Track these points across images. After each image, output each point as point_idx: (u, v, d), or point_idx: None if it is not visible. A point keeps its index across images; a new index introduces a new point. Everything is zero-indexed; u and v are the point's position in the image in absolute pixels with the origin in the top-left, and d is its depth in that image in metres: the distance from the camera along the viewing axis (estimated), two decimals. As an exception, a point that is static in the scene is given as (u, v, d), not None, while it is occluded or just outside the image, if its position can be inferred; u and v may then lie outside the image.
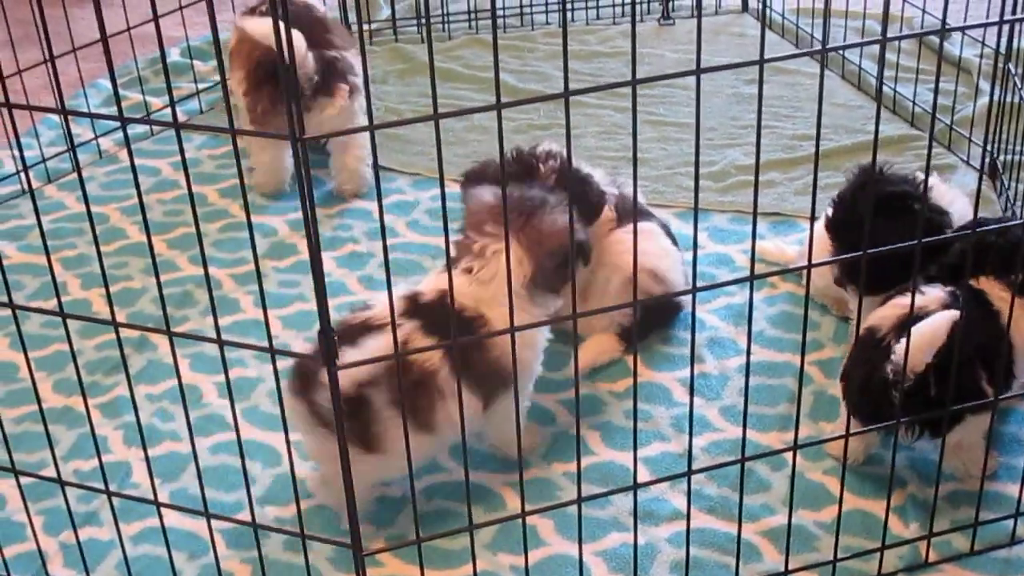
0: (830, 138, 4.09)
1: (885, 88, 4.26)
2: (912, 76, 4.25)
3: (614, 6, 5.07)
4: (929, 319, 2.39)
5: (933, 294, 2.56)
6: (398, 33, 5.00)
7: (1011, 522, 2.54)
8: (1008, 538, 2.54)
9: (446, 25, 5.01)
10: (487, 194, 2.60)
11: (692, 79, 1.84)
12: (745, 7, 5.16)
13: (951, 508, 2.62)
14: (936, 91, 2.06)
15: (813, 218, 2.09)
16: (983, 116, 3.83)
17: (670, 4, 5.12)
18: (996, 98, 3.74)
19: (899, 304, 2.58)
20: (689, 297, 3.04)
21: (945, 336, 2.36)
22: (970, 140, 3.88)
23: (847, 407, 2.59)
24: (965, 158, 3.88)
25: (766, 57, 1.83)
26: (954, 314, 2.36)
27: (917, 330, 2.33)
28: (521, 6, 5.04)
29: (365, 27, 4.98)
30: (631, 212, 3.02)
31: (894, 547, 2.48)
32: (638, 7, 5.15)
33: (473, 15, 5.03)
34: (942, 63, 4.38)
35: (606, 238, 3.11)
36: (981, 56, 4.30)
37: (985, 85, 3.92)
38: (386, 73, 4.70)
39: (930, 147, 2.06)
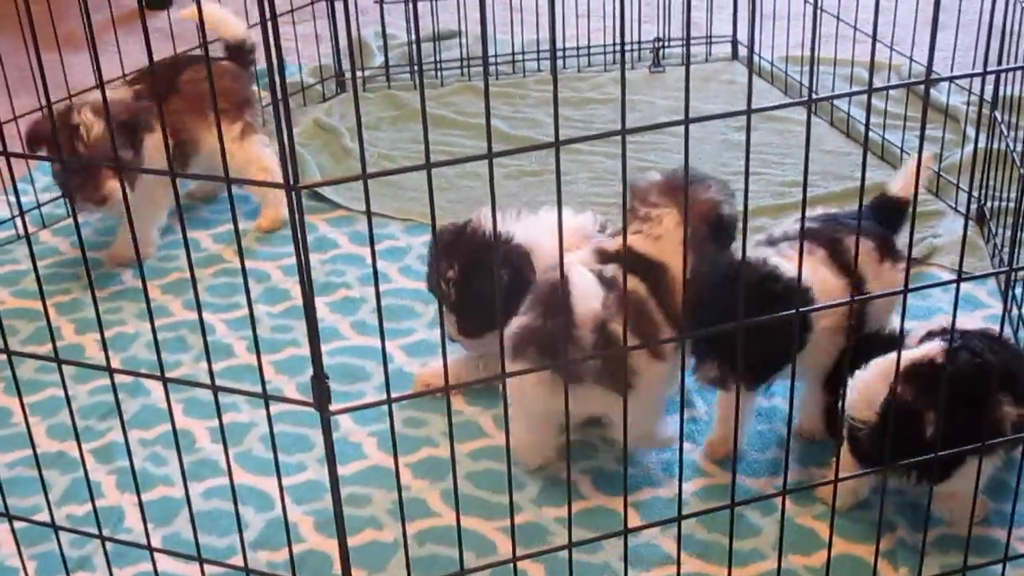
0: (819, 184, 4.12)
1: (873, 135, 4.29)
2: (900, 123, 4.28)
3: (605, 53, 5.12)
4: (866, 369, 2.54)
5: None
6: (391, 80, 5.04)
7: (1000, 567, 2.55)
8: (997, 583, 2.56)
9: (439, 72, 5.05)
10: (652, 175, 3.09)
11: (682, 127, 1.86)
12: (735, 55, 5.20)
13: (940, 553, 2.63)
14: (922, 138, 2.09)
15: (802, 261, 2.12)
16: (970, 163, 3.87)
17: (660, 52, 5.16)
18: (983, 145, 3.78)
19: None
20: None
21: (884, 385, 2.43)
22: (958, 187, 3.91)
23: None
24: (953, 204, 3.91)
25: (755, 106, 1.85)
26: (891, 360, 2.39)
27: (856, 379, 2.50)
28: (513, 53, 5.08)
29: (358, 74, 5.02)
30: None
31: (883, 591, 2.50)
32: (629, 55, 5.19)
33: (466, 62, 5.07)
34: (929, 110, 4.43)
35: None
36: (968, 104, 4.35)
37: (972, 132, 3.96)
38: (379, 119, 4.73)
39: (916, 193, 2.09)
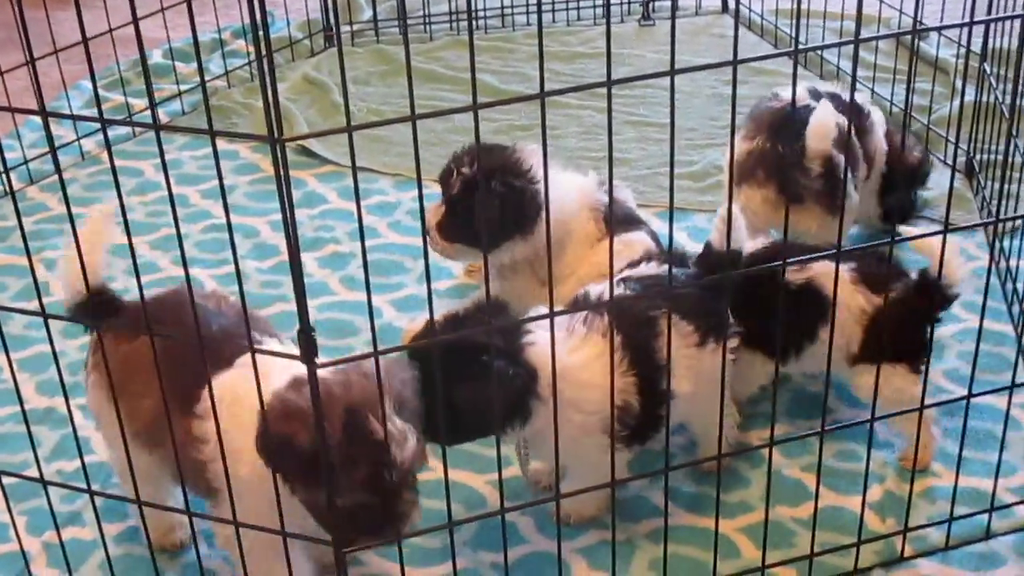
0: (809, 138, 4.11)
1: (863, 88, 4.28)
2: (890, 76, 4.27)
3: (595, 7, 5.10)
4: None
5: None
6: (380, 34, 5.02)
7: (985, 517, 2.57)
8: (983, 533, 2.57)
9: (427, 26, 5.03)
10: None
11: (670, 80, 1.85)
12: (725, 8, 5.18)
13: (927, 504, 2.65)
14: (909, 90, 2.09)
15: (788, 215, 2.12)
16: (958, 116, 3.87)
17: (650, 5, 5.15)
18: (972, 98, 3.77)
19: None
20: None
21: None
22: (947, 140, 3.91)
23: None
24: (942, 157, 3.91)
25: (741, 58, 1.84)
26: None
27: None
28: (502, 7, 5.06)
29: (347, 29, 5.00)
30: (623, 221, 3.00)
31: (870, 542, 2.51)
32: (619, 8, 5.18)
33: (455, 16, 5.05)
34: (919, 63, 4.42)
35: (590, 249, 3.01)
36: (958, 57, 4.34)
37: (961, 85, 3.95)
38: (368, 74, 4.72)
39: (903, 142, 2.09)
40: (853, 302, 2.69)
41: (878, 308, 2.63)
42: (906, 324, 2.66)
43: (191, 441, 2.20)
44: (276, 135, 1.63)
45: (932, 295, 2.64)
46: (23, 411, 2.24)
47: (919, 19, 4.17)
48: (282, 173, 1.67)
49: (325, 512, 2.02)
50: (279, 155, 1.65)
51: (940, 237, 2.33)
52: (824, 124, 2.93)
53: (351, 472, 1.99)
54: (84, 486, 2.25)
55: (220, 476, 2.10)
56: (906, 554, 2.52)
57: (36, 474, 2.26)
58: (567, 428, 2.26)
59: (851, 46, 1.92)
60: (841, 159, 2.89)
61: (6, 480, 2.32)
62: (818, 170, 2.96)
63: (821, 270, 2.63)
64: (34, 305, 2.08)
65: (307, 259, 3.52)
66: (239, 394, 2.11)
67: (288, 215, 1.70)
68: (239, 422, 2.12)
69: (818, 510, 2.45)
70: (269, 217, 3.77)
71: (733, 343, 2.60)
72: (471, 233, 2.95)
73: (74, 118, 1.93)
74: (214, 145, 1.75)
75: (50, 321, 2.10)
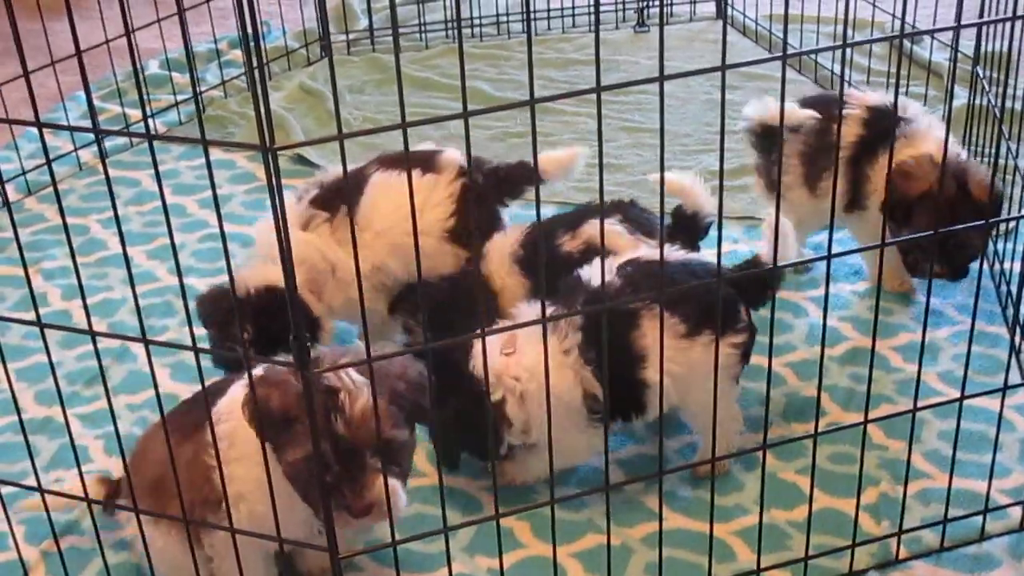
0: (803, 142, 4.13)
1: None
2: (884, 79, 4.29)
3: (589, 14, 5.12)
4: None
5: None
6: (376, 43, 5.04)
7: (980, 519, 2.57)
8: (977, 534, 2.58)
9: (423, 34, 5.04)
10: None
11: (666, 86, 1.86)
12: (719, 14, 5.20)
13: (921, 505, 2.65)
14: (896, 93, 2.10)
15: (778, 218, 2.13)
16: (954, 119, 3.88)
17: (645, 12, 5.16)
18: (965, 101, 3.79)
19: None
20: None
21: None
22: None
23: None
24: (936, 161, 3.92)
25: (731, 63, 1.86)
26: None
27: None
28: (497, 15, 5.08)
29: (342, 38, 5.01)
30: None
31: (865, 544, 2.52)
32: (614, 15, 5.20)
33: (450, 24, 5.07)
34: (914, 67, 4.44)
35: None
36: (951, 60, 4.35)
37: (956, 88, 3.96)
38: (364, 83, 4.73)
39: (892, 147, 2.10)
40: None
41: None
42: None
43: (203, 449, 2.24)
44: (268, 144, 1.65)
45: (691, 227, 2.91)
46: (20, 421, 2.25)
47: (912, 23, 4.19)
48: (274, 182, 1.69)
49: (305, 478, 2.09)
50: (271, 164, 1.66)
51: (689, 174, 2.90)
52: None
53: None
54: (82, 495, 2.26)
55: (227, 481, 2.15)
56: (901, 556, 2.53)
57: (34, 483, 2.27)
58: (543, 417, 2.39)
59: (847, 51, 1.92)
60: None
61: (4, 489, 2.33)
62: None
63: (593, 231, 2.88)
64: (32, 315, 2.08)
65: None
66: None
67: (280, 222, 1.71)
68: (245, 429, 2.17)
69: (812, 513, 2.46)
70: (265, 226, 3.78)
71: (737, 339, 2.64)
72: None
73: (68, 128, 1.94)
74: (207, 154, 1.76)
75: (47, 331, 2.11)
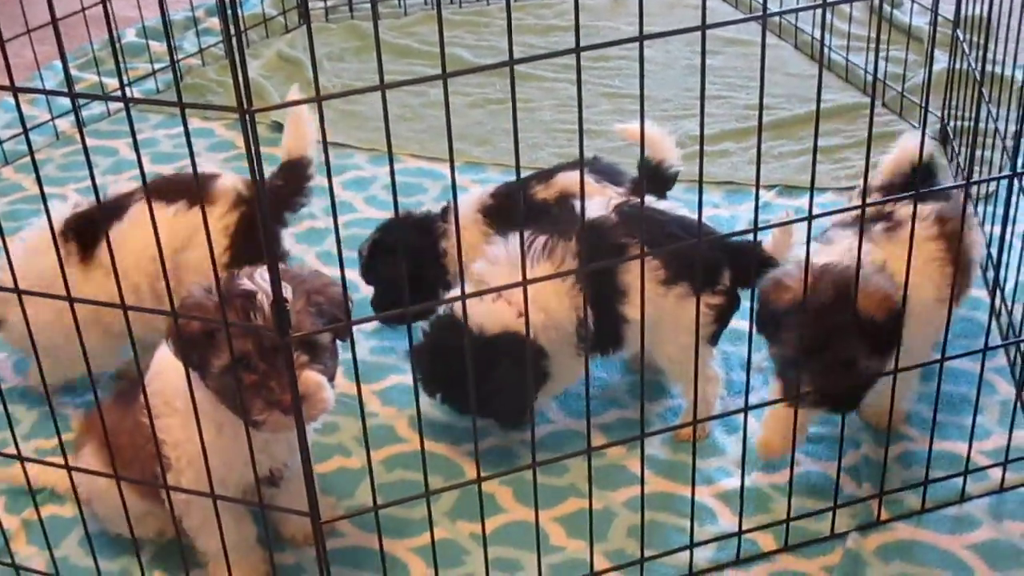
0: (784, 107, 4.13)
1: (837, 57, 4.30)
2: (864, 45, 4.29)
3: (569, -21, 5.10)
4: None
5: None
6: (354, 10, 5.01)
7: (960, 480, 2.58)
8: (958, 496, 2.59)
9: (402, 1, 5.02)
10: None
11: (646, 51, 1.85)
12: (700, -21, 5.18)
13: (902, 468, 2.66)
14: (876, 57, 2.09)
15: (758, 186, 2.12)
16: (935, 83, 3.88)
17: (625, -23, 5.14)
18: (945, 65, 3.79)
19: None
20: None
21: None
22: (921, 107, 3.92)
23: None
24: (917, 125, 3.92)
25: (710, 23, 1.85)
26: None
27: None
28: (476, -20, 5.06)
29: (321, 4, 4.99)
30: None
31: (846, 506, 2.53)
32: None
33: (429, -10, 5.04)
34: (894, 31, 4.43)
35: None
36: (931, 24, 4.35)
37: (935, 52, 3.96)
38: (342, 50, 4.71)
39: (872, 113, 2.10)
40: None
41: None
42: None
43: (140, 411, 2.25)
44: (246, 106, 1.63)
45: (657, 178, 2.94)
46: (-1, 390, 2.24)
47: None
48: (252, 145, 1.67)
49: (232, 386, 2.09)
50: (249, 126, 1.65)
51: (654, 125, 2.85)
52: None
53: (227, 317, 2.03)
54: (62, 462, 2.25)
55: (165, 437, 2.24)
56: (882, 517, 2.54)
57: (13, 451, 2.26)
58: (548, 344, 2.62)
59: (824, 12, 1.92)
60: None
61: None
62: None
63: (567, 182, 2.93)
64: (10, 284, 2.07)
65: (284, 234, 3.51)
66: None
67: (259, 185, 1.70)
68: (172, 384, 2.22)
69: (794, 476, 2.46)
70: (245, 194, 3.76)
71: (714, 300, 2.67)
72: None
73: (44, 92, 1.94)
74: (184, 118, 1.75)
75: (24, 298, 2.10)
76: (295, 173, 2.90)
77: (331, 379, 2.20)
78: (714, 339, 2.76)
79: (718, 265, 2.67)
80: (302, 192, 2.92)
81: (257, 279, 2.13)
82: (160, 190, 2.84)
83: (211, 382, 2.15)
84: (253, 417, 2.11)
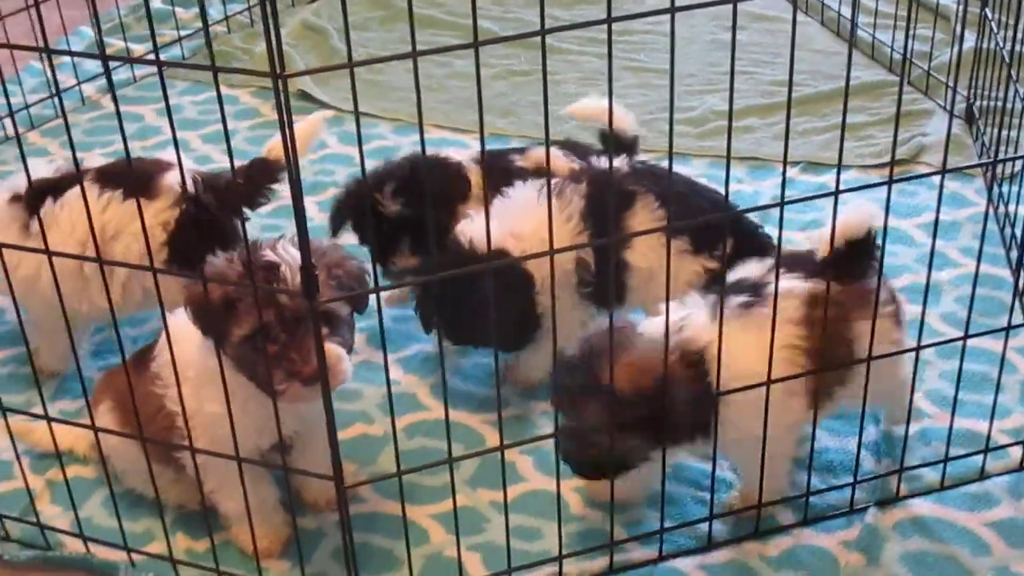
0: (808, 84, 4.12)
1: (863, 34, 4.28)
2: (891, 23, 4.27)
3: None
4: None
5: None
6: (379, -21, 5.00)
7: (980, 458, 2.59)
8: (977, 473, 2.59)
9: (428, -29, 5.01)
10: None
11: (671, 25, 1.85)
12: (727, -46, 5.16)
13: (922, 445, 2.66)
14: (908, 35, 2.09)
15: (786, 162, 2.12)
16: (961, 62, 3.87)
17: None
18: (973, 44, 3.77)
19: None
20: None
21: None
22: (947, 86, 3.91)
23: None
24: (943, 104, 3.91)
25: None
26: None
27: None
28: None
29: (347, -26, 4.98)
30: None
31: (866, 482, 2.53)
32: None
33: (455, -39, 5.03)
34: (920, 10, 4.42)
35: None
36: (960, 2, 4.33)
37: (964, 31, 3.95)
38: (367, 20, 4.71)
39: (901, 91, 2.10)
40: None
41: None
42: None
43: (151, 381, 2.31)
44: (278, 71, 1.64)
45: (619, 146, 2.91)
46: (28, 351, 2.25)
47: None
48: (284, 109, 1.68)
49: (252, 356, 2.13)
50: (281, 91, 1.66)
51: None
52: None
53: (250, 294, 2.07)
54: (88, 422, 2.27)
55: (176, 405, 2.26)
56: (901, 494, 2.54)
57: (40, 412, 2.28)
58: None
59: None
60: None
61: (11, 418, 2.35)
62: None
63: (540, 155, 2.98)
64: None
65: (308, 203, 3.50)
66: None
67: (290, 149, 1.71)
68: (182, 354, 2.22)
69: (814, 451, 2.47)
70: (269, 161, 3.77)
71: (710, 264, 2.71)
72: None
73: (75, 55, 1.94)
74: (216, 81, 1.76)
75: (53, 259, 2.12)
76: (265, 173, 2.88)
77: (349, 351, 2.22)
78: None
79: (722, 231, 2.66)
80: (264, 193, 2.90)
81: (280, 251, 2.15)
82: (107, 176, 2.81)
83: (230, 351, 2.17)
84: (275, 387, 2.13)
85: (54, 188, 2.79)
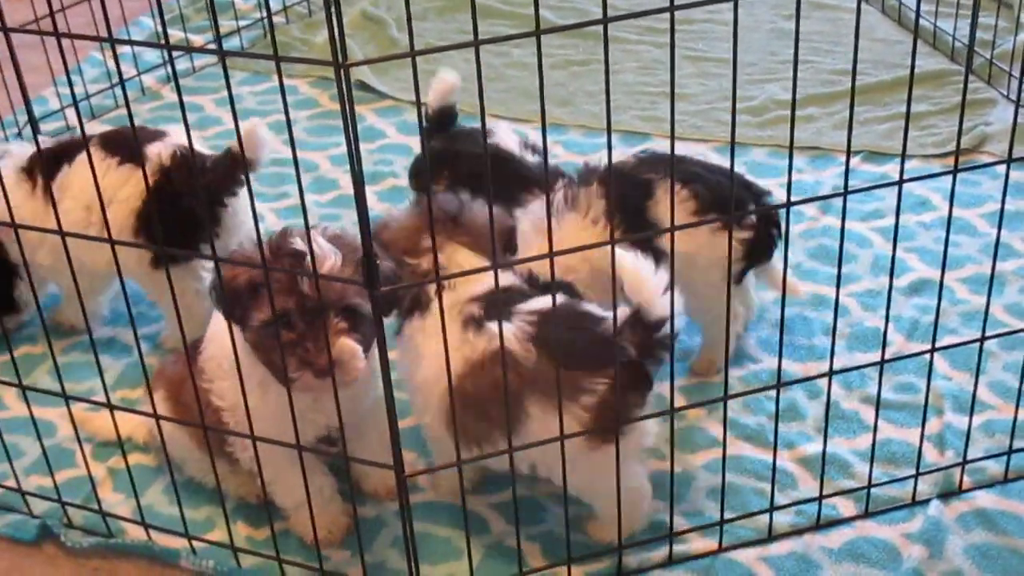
0: (869, 73, 4.09)
1: (925, 23, 4.24)
2: (953, 11, 4.23)
3: (654, -60, 5.06)
4: None
5: None
6: (437, -30, 5.01)
7: (1045, 450, 2.56)
8: (1042, 465, 2.57)
9: (485, -39, 5.01)
10: None
11: (731, 13, 1.84)
12: (790, -57, 5.13)
13: (985, 437, 2.64)
14: (972, 23, 2.07)
15: (849, 152, 2.10)
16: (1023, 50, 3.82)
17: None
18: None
19: None
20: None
21: None
22: (1010, 74, 3.86)
23: None
24: (1005, 92, 3.87)
25: (804, -14, 1.84)
26: None
27: None
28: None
29: (404, -36, 4.99)
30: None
31: (928, 473, 2.51)
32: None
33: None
34: (983, -3, 4.37)
35: None
36: (1023, -10, 4.29)
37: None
38: (425, 10, 4.72)
39: (966, 80, 2.07)
40: None
41: None
42: None
43: (197, 375, 2.31)
44: (341, 60, 1.64)
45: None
46: (91, 339, 2.27)
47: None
48: (347, 99, 1.68)
49: (269, 341, 2.12)
50: (344, 80, 1.66)
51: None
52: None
53: (275, 277, 2.08)
54: (151, 412, 2.29)
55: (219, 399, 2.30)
56: (964, 486, 2.52)
57: (103, 400, 2.30)
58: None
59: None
60: None
61: (74, 406, 2.37)
62: None
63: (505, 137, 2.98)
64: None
65: (367, 193, 3.52)
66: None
67: (352, 138, 1.71)
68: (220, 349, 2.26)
69: (876, 442, 2.45)
70: (328, 151, 3.79)
71: (743, 235, 2.70)
72: None
73: (137, 44, 1.95)
74: (279, 71, 1.76)
75: (117, 249, 2.13)
76: (231, 166, 2.80)
77: (367, 349, 2.19)
78: (740, 277, 2.79)
79: (744, 202, 2.69)
80: (230, 186, 2.85)
81: (315, 240, 2.13)
82: (108, 142, 2.91)
83: (249, 335, 2.18)
84: (288, 375, 2.13)
85: (66, 154, 2.90)
